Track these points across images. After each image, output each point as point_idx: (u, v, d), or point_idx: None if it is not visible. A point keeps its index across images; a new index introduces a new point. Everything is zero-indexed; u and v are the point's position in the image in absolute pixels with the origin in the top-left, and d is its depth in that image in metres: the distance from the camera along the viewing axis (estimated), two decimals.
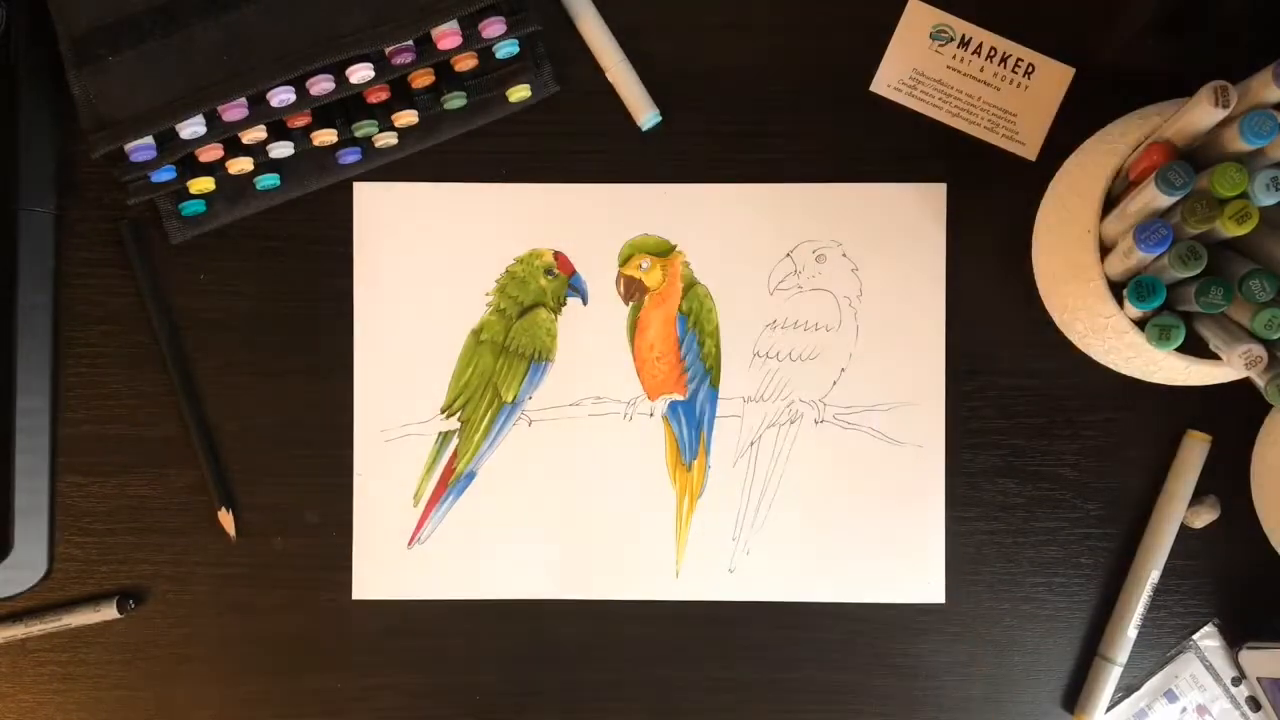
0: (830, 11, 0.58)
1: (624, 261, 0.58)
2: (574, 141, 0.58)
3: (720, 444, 0.58)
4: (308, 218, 0.58)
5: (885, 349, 0.58)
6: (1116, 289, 0.47)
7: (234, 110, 0.53)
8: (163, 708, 0.58)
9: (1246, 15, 0.57)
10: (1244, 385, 0.46)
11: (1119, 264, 0.46)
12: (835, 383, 0.58)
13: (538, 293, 0.58)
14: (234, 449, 0.58)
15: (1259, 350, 0.43)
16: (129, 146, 0.53)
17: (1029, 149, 0.58)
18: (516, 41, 0.56)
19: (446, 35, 0.54)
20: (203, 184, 0.56)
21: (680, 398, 0.58)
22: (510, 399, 0.58)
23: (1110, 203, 0.48)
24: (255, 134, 0.54)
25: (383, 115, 0.56)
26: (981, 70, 0.58)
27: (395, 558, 0.58)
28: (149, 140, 0.53)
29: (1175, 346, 0.46)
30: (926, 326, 0.58)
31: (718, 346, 0.58)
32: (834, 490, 0.58)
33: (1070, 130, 0.56)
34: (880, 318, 0.58)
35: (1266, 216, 0.43)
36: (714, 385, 0.58)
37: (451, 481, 0.58)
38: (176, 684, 0.58)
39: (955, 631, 0.58)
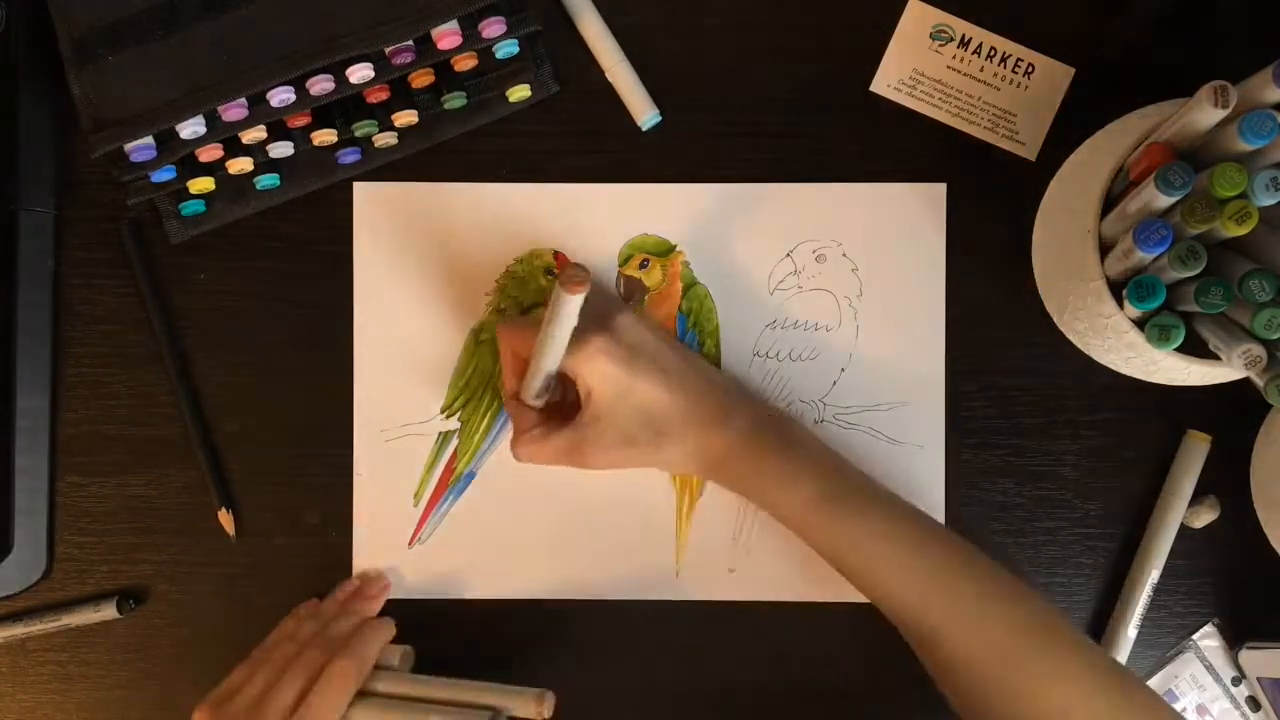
0: (830, 11, 0.58)
1: (624, 261, 0.58)
2: (574, 141, 0.58)
3: None
4: (308, 218, 0.58)
5: (885, 349, 0.58)
6: (1116, 289, 0.47)
7: (234, 110, 0.53)
8: (163, 708, 0.58)
9: (1246, 15, 0.57)
10: (1244, 385, 0.46)
11: (1119, 264, 0.46)
12: (835, 383, 0.58)
13: (538, 293, 0.58)
14: (234, 449, 0.58)
15: (1259, 350, 0.43)
16: (129, 146, 0.53)
17: (1029, 149, 0.58)
18: (516, 41, 0.56)
19: (446, 35, 0.54)
20: (203, 184, 0.56)
21: None
22: None
23: (1110, 203, 0.48)
24: (255, 134, 0.54)
25: (383, 115, 0.56)
26: (981, 70, 0.58)
27: (395, 558, 0.58)
28: (149, 140, 0.53)
29: (1175, 346, 0.46)
30: (926, 326, 0.58)
31: (718, 346, 0.58)
32: None
33: (1070, 130, 0.56)
34: (880, 318, 0.58)
35: (1266, 216, 0.43)
36: None
37: (451, 481, 0.58)
38: (176, 684, 0.58)
39: None
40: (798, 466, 0.52)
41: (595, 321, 0.51)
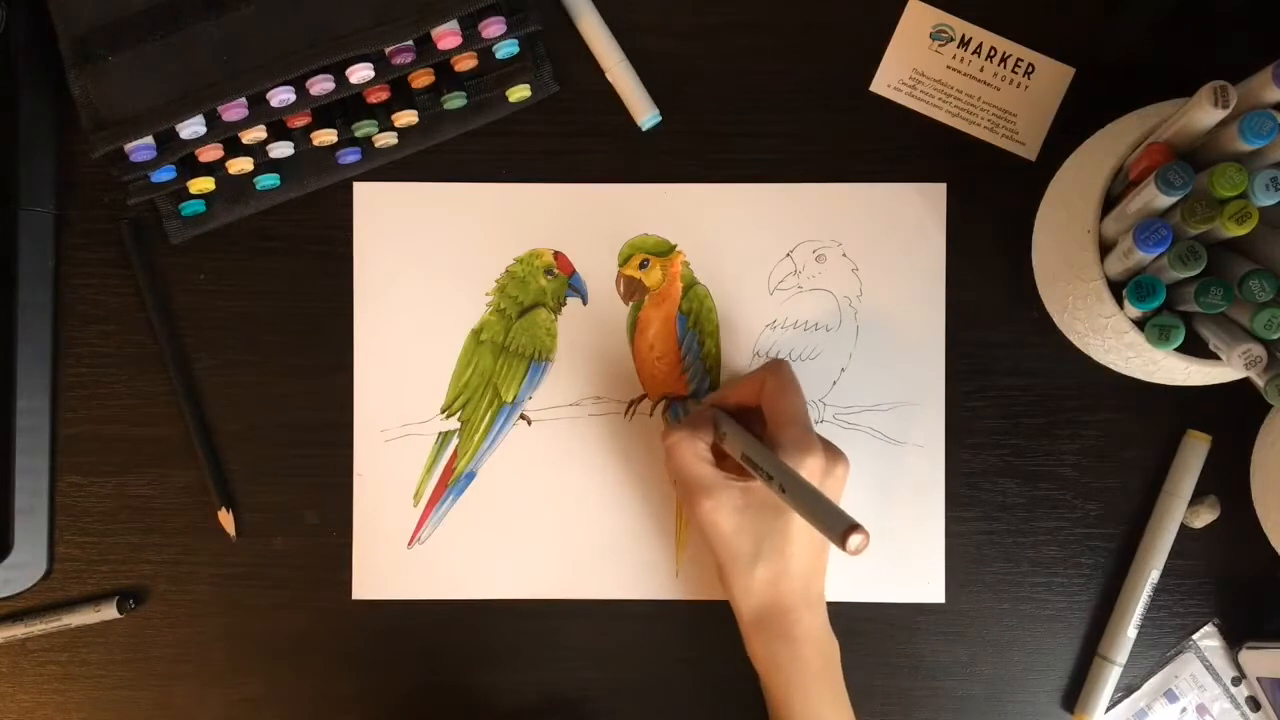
0: (830, 11, 0.58)
1: (624, 261, 0.58)
2: (574, 141, 0.58)
3: None
4: (308, 218, 0.58)
5: (885, 349, 0.58)
6: (1116, 289, 0.47)
7: (234, 110, 0.53)
8: (163, 708, 0.58)
9: (1246, 15, 0.57)
10: (1244, 385, 0.46)
11: (1119, 264, 0.46)
12: (835, 383, 0.58)
13: (538, 293, 0.58)
14: (234, 449, 0.58)
15: (1259, 350, 0.43)
16: (129, 146, 0.53)
17: (1029, 149, 0.58)
18: (516, 41, 0.56)
19: (446, 35, 0.54)
20: (203, 184, 0.56)
21: (681, 397, 0.58)
22: (510, 399, 0.58)
23: (1110, 203, 0.48)
24: (255, 134, 0.54)
25: (383, 115, 0.56)
26: (981, 70, 0.58)
27: (395, 558, 0.58)
28: (149, 140, 0.53)
29: (1175, 346, 0.46)
30: (926, 326, 0.58)
31: (718, 346, 0.58)
32: None
33: (1070, 130, 0.56)
34: (880, 318, 0.58)
35: (1266, 216, 0.43)
36: (714, 385, 0.58)
37: (451, 481, 0.58)
38: (176, 684, 0.58)
39: (955, 631, 0.58)
40: (808, 690, 0.53)
41: (827, 448, 0.52)
